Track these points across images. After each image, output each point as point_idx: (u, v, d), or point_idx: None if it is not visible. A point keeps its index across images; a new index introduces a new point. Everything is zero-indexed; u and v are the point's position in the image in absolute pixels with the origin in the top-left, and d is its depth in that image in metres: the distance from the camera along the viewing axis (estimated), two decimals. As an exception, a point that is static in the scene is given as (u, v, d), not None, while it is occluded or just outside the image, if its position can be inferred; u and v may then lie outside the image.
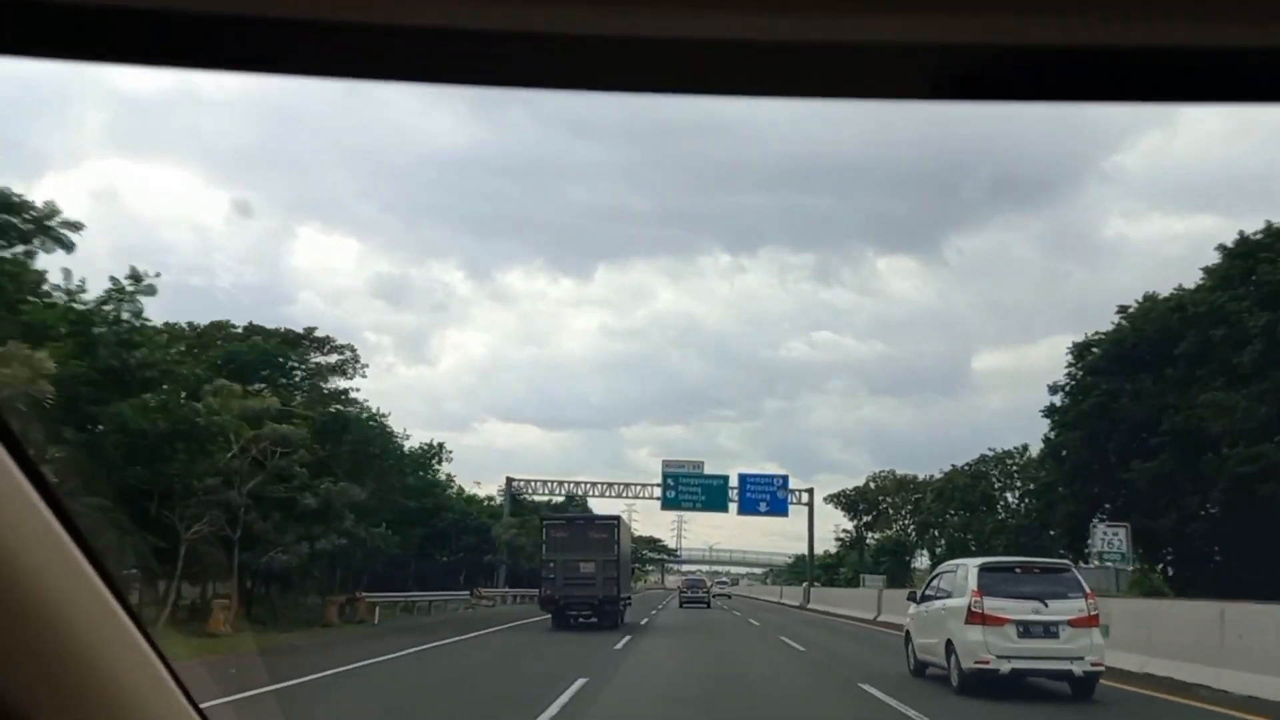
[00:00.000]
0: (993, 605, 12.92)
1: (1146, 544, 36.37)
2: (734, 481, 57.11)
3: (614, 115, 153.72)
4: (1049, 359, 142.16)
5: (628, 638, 22.79)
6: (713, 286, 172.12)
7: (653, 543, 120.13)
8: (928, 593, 15.62)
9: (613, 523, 27.87)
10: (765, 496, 56.81)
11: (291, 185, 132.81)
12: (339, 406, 32.84)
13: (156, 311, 23.85)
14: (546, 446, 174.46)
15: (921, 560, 68.40)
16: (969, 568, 13.99)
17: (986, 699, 12.49)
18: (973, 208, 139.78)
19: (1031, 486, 53.32)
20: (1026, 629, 12.74)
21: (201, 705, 1.44)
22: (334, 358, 34.69)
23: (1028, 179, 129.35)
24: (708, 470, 58.32)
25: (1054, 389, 41.94)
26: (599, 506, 62.46)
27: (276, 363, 31.88)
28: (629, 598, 30.62)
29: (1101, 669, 12.80)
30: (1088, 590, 13.33)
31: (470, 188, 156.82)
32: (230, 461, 22.69)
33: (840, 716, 12.25)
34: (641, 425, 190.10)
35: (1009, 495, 59.77)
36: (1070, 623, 12.70)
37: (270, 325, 33.79)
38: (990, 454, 60.05)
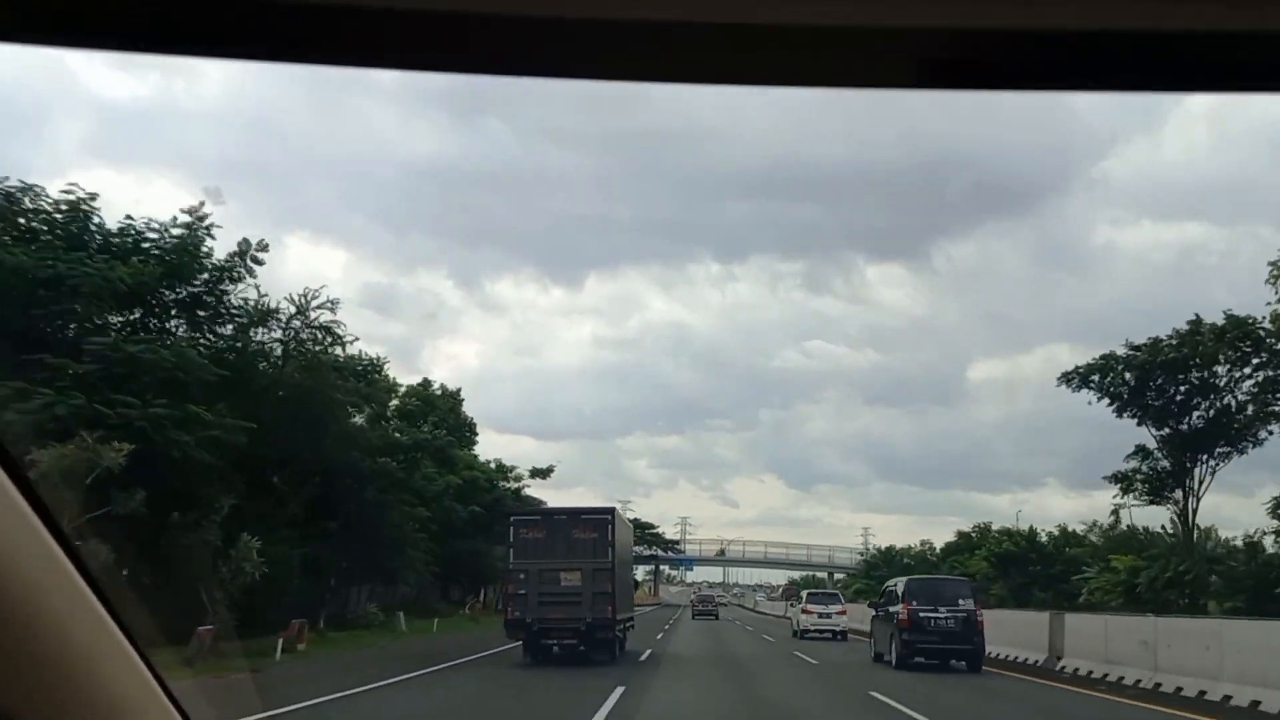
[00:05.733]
0: (810, 606, 35.59)
1: None
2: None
3: (593, 124, 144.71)
4: (1043, 369, 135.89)
5: None
6: (704, 295, 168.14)
7: (644, 529, 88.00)
8: (797, 601, 38.60)
9: (605, 517, 21.60)
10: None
11: (277, 197, 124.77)
12: None
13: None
14: (543, 458, 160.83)
15: None
16: (804, 594, 37.01)
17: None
18: (961, 215, 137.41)
19: None
20: (819, 615, 35.18)
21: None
22: None
23: (1015, 185, 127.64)
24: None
25: None
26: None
27: None
28: (631, 619, 25.05)
29: (847, 630, 35.14)
30: (843, 600, 36.32)
31: (455, 198, 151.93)
32: None
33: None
34: (637, 436, 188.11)
35: None
36: (835, 613, 35.32)
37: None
38: None
